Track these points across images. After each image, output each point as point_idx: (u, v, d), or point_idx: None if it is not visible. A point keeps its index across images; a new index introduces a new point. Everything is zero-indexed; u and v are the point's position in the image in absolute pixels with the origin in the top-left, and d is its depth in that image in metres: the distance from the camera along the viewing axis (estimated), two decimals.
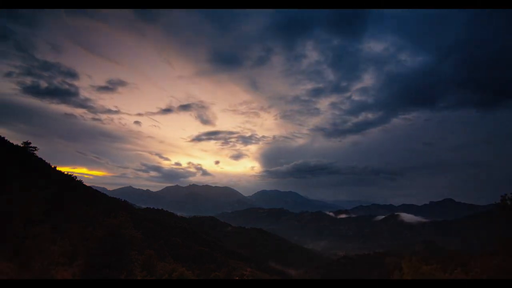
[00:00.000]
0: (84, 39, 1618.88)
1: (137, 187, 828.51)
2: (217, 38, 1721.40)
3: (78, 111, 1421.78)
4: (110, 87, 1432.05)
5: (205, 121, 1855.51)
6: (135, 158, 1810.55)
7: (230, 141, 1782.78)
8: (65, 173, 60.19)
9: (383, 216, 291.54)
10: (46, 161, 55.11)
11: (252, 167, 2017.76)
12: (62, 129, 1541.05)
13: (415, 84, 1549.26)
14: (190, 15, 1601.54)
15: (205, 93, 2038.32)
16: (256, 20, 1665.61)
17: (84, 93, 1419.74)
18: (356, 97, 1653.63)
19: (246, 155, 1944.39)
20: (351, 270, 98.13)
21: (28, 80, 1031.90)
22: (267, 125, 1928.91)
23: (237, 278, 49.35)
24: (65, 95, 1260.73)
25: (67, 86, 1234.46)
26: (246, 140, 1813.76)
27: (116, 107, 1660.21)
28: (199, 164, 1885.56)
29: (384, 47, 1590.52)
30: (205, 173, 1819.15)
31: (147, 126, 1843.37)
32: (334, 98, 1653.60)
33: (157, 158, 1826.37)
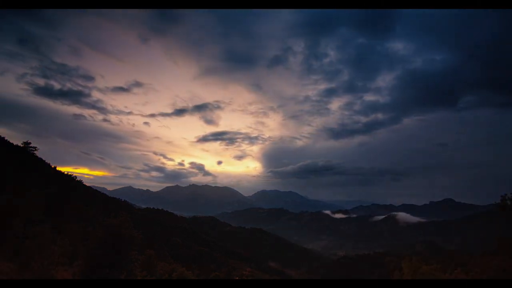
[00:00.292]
0: (96, 40, 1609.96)
1: (137, 187, 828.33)
2: (229, 38, 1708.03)
3: (88, 112, 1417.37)
4: (125, 88, 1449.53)
5: (211, 121, 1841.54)
6: (138, 159, 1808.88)
7: (236, 141, 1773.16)
8: (65, 173, 60.44)
9: (383, 216, 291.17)
10: (46, 161, 55.38)
11: (255, 167, 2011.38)
12: (68, 129, 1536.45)
13: (433, 84, 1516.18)
14: (203, 15, 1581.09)
15: (215, 94, 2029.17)
16: (271, 19, 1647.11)
17: (96, 95, 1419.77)
18: (369, 97, 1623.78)
19: (250, 155, 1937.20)
20: (351, 270, 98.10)
21: (42, 81, 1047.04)
22: (274, 125, 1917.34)
23: (237, 278, 49.41)
24: (78, 96, 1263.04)
25: (80, 88, 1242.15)
26: (252, 140, 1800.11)
27: (126, 107, 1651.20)
28: (201, 164, 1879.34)
29: (404, 46, 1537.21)
30: (206, 173, 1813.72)
31: (155, 127, 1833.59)
32: (346, 99, 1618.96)
33: (161, 158, 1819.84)
